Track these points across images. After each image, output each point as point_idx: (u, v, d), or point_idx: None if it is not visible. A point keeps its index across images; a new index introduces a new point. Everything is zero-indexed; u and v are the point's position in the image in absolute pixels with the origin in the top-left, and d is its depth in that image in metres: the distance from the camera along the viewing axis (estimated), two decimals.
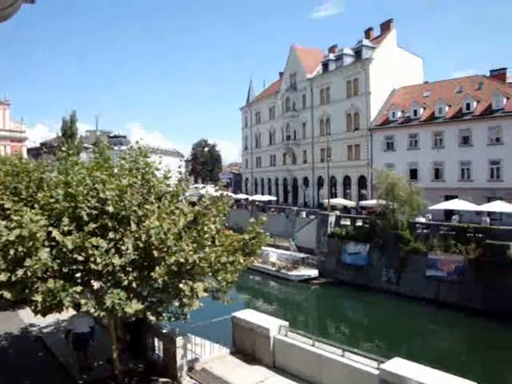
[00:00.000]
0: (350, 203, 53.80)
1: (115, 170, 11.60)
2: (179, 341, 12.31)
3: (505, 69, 50.70)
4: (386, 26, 61.52)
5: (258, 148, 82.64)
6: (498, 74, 50.05)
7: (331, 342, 12.42)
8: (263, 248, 44.81)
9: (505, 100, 44.45)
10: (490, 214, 39.97)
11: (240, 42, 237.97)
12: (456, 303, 31.61)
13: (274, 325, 13.17)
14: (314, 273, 41.39)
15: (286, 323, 13.34)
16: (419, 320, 31.25)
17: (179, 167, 13.11)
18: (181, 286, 10.18)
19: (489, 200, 41.26)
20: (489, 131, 44.73)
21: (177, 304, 10.73)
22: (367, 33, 63.63)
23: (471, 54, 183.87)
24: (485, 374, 21.16)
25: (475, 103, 46.60)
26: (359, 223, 42.01)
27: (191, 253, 9.99)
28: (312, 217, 48.13)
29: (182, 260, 9.82)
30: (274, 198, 69.71)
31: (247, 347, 13.56)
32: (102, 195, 10.07)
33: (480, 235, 33.21)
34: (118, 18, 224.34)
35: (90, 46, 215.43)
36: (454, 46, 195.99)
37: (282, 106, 72.06)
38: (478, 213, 40.00)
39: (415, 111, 51.41)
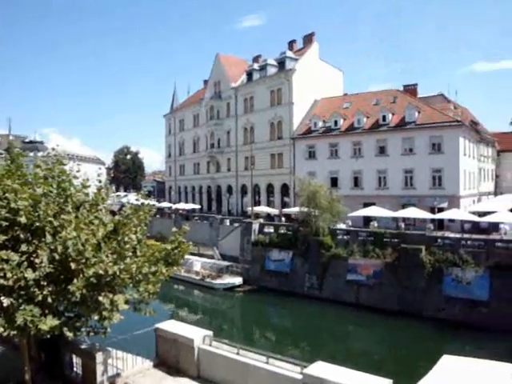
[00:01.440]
0: (274, 211, 54.63)
1: (29, 179, 10.93)
2: (99, 356, 11.77)
3: (416, 84, 54.50)
4: (308, 39, 63.55)
5: (182, 156, 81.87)
6: (410, 89, 53.55)
7: (256, 349, 12.43)
8: (187, 257, 44.06)
9: (416, 113, 47.39)
10: (404, 219, 42.35)
11: (164, 49, 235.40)
12: (375, 305, 33.21)
13: (198, 335, 12.95)
14: (238, 280, 41.48)
15: (210, 332, 13.18)
16: (341, 323, 32.30)
17: (99, 175, 12.52)
18: (100, 298, 9.78)
19: (403, 206, 43.76)
20: (403, 142, 47.46)
21: (96, 318, 10.28)
22: (290, 44, 65.36)
23: (386, 70, 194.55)
24: (399, 370, 22.23)
25: (390, 115, 49.25)
26: (282, 231, 42.77)
27: (111, 264, 9.65)
28: (236, 225, 48.31)
29: (101, 272, 9.45)
30: (197, 207, 69.19)
31: (171, 359, 13.24)
32: (13, 205, 9.44)
33: (396, 240, 35.12)
34: (36, 20, 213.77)
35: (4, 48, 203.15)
36: (371, 61, 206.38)
37: (206, 113, 71.92)
38: (394, 219, 42.25)
39: (336, 122, 53.34)
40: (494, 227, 40.66)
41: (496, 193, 59.60)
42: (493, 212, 39.62)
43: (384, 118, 49.32)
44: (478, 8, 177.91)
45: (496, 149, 64.53)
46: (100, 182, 12.29)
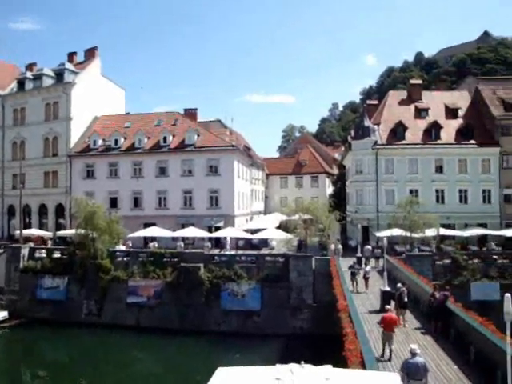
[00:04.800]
0: (47, 234, 50.15)
1: None
2: None
3: (196, 109, 57.30)
4: (90, 53, 60.72)
5: None
6: (191, 113, 56.05)
7: None
8: None
9: (196, 136, 49.66)
10: (184, 239, 43.57)
11: None
12: (157, 326, 32.99)
13: None
14: (2, 315, 36.29)
15: None
16: (123, 349, 30.91)
17: None
18: None
19: (183, 226, 45.04)
20: (182, 163, 49.13)
21: None
22: (70, 56, 61.41)
23: (169, 93, 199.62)
24: None
25: (171, 137, 50.50)
26: (57, 255, 39.46)
27: None
28: (0, 251, 42.66)
29: None
30: None
31: None
32: None
33: (176, 259, 35.75)
34: None
35: None
36: (155, 84, 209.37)
37: None
38: (175, 238, 43.09)
39: (116, 140, 52.10)
40: (264, 243, 45.01)
41: (265, 212, 66.02)
42: (263, 229, 43.82)
43: (165, 139, 50.30)
44: (255, 47, 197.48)
45: (265, 172, 71.80)
46: None
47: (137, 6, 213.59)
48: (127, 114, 62.10)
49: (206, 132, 51.21)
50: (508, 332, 10.23)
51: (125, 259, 37.25)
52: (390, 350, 14.79)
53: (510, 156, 46.42)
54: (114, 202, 49.84)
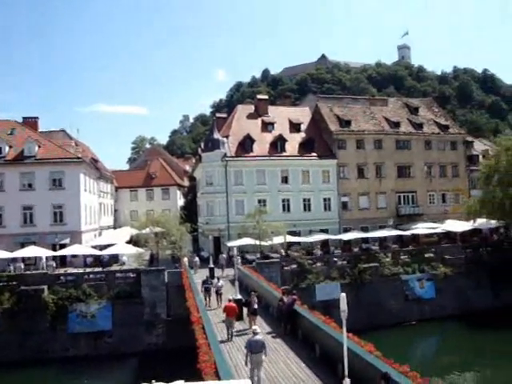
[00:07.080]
0: None
1: None
2: None
3: (37, 117, 52.80)
4: None
5: None
6: (31, 122, 51.55)
7: None
8: None
9: (37, 147, 45.76)
10: (24, 259, 39.77)
11: None
12: None
13: None
14: None
15: None
16: None
17: None
18: None
19: (23, 245, 41.01)
20: (21, 177, 44.73)
21: None
22: None
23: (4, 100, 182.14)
24: None
25: (8, 148, 45.75)
26: None
27: None
28: None
29: None
30: None
31: None
32: None
33: (14, 283, 32.42)
34: None
35: None
36: None
37: None
38: (13, 259, 39.12)
39: None
40: (115, 259, 43.22)
41: (115, 226, 63.47)
42: (113, 244, 42.05)
43: (0, 150, 45.43)
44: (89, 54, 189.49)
45: (114, 185, 69.14)
46: None
47: None
48: None
49: (48, 143, 47.51)
50: (344, 327, 11.25)
51: None
52: (232, 333, 18.72)
53: (345, 167, 51.60)
54: None
